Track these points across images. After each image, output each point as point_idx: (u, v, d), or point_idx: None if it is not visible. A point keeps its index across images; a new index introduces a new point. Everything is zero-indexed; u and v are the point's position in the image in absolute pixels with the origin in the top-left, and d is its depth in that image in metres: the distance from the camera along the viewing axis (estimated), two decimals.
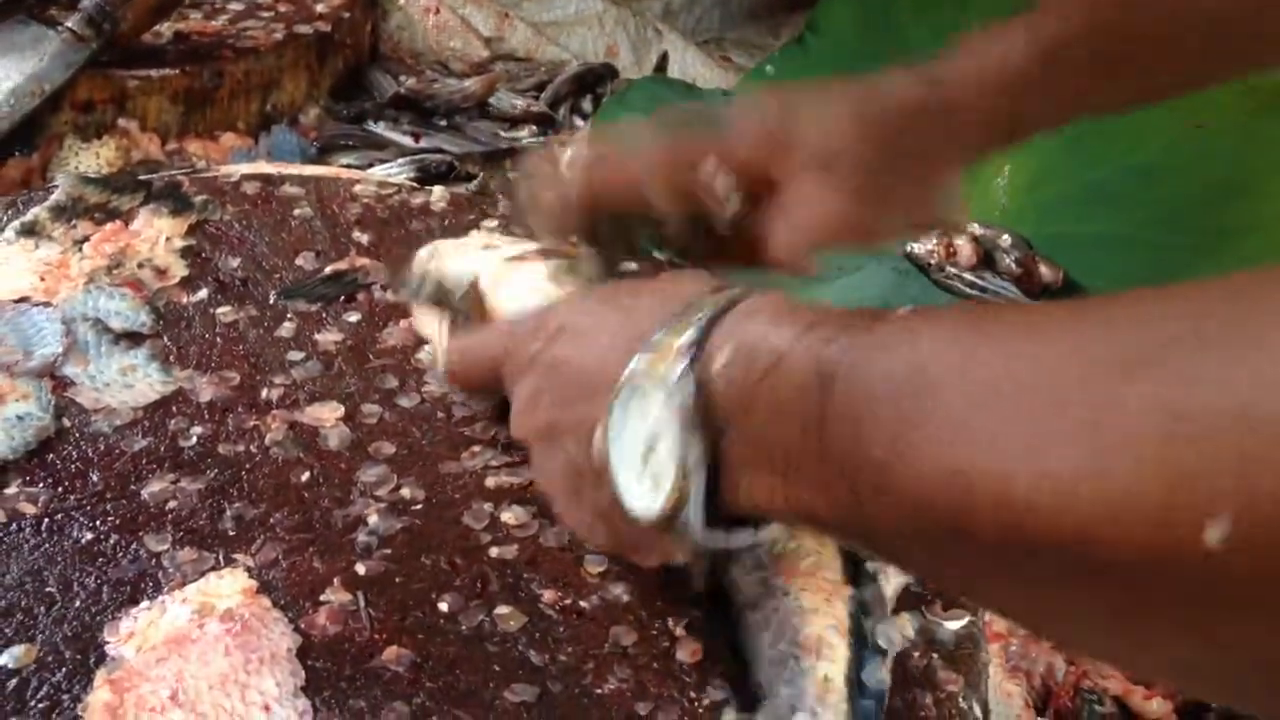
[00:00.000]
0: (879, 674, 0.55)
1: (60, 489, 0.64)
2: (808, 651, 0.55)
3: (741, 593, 0.59)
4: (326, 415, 0.70)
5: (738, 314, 0.48)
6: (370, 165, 1.44)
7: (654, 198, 0.65)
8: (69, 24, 1.32)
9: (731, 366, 0.45)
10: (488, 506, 0.65)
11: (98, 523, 0.62)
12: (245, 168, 0.98)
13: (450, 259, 0.72)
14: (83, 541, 0.61)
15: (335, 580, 0.60)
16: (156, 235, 0.84)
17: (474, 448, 0.69)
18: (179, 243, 0.84)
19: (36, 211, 0.85)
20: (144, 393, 0.71)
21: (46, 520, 0.62)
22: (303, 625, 0.57)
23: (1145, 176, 1.30)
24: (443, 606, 0.59)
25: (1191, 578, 0.31)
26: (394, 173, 1.42)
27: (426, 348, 0.76)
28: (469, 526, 0.64)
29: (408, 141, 1.54)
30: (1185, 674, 0.36)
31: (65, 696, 0.53)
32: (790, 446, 0.43)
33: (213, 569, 0.60)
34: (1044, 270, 1.25)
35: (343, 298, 0.81)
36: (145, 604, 0.57)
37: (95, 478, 0.65)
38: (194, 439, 0.68)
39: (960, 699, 0.58)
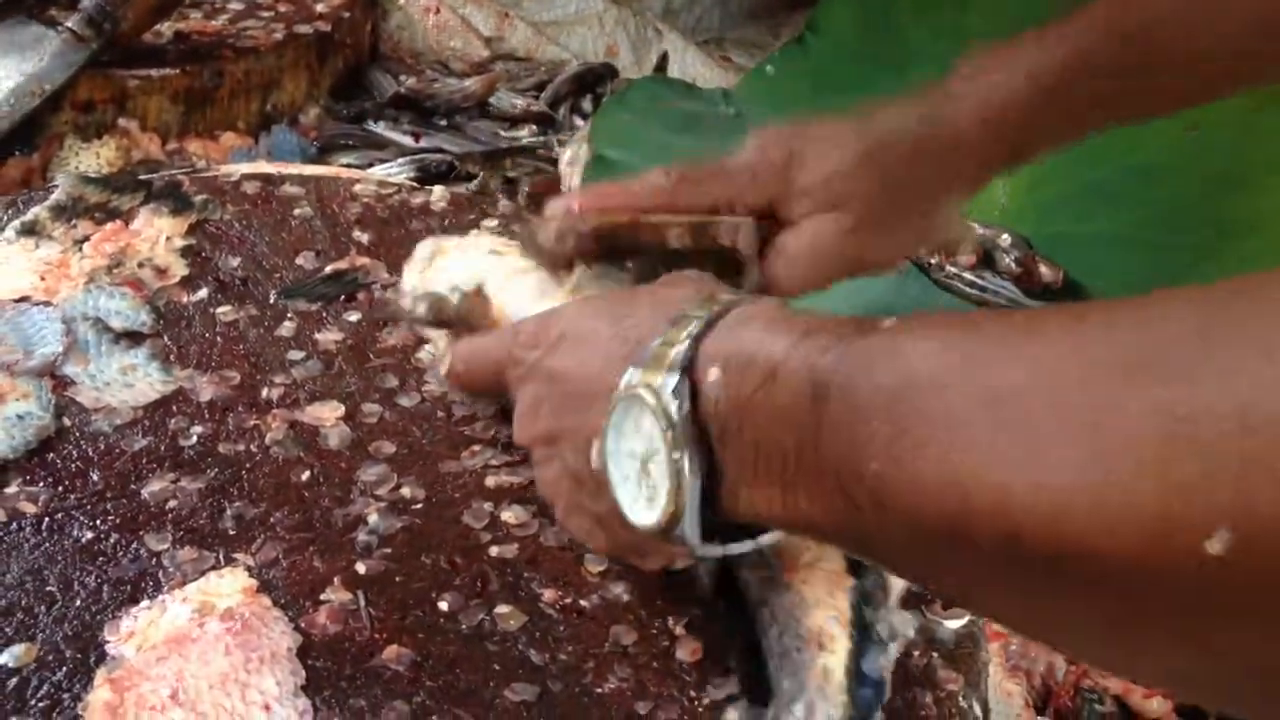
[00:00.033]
0: (879, 663, 0.56)
1: (60, 488, 0.64)
2: (809, 643, 0.55)
3: (751, 590, 0.59)
4: (327, 414, 0.71)
5: (731, 322, 0.48)
6: (370, 165, 1.45)
7: (668, 229, 0.67)
8: (69, 24, 1.32)
9: (725, 379, 0.45)
10: (488, 506, 0.65)
11: (98, 522, 0.62)
12: (245, 167, 0.98)
13: (454, 260, 0.72)
14: (83, 541, 0.61)
15: (335, 579, 0.60)
16: (157, 235, 0.85)
17: (474, 447, 0.69)
18: (179, 242, 0.84)
19: (37, 211, 0.85)
20: (144, 392, 0.71)
21: (47, 519, 0.62)
22: (303, 624, 0.57)
23: (1145, 176, 1.30)
24: (443, 605, 0.59)
25: (1188, 588, 0.30)
26: (394, 172, 1.42)
27: (427, 347, 0.76)
28: (469, 526, 0.64)
29: (408, 141, 1.54)
30: (1181, 682, 0.36)
31: (66, 695, 0.53)
32: (787, 457, 0.43)
33: (213, 568, 0.60)
34: (1044, 270, 1.25)
35: (343, 297, 0.81)
36: (145, 603, 0.58)
37: (95, 477, 0.65)
38: (194, 438, 0.68)
39: (960, 698, 0.58)
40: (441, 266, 0.73)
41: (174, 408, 0.70)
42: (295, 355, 0.75)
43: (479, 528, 0.64)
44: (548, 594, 0.60)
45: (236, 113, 1.48)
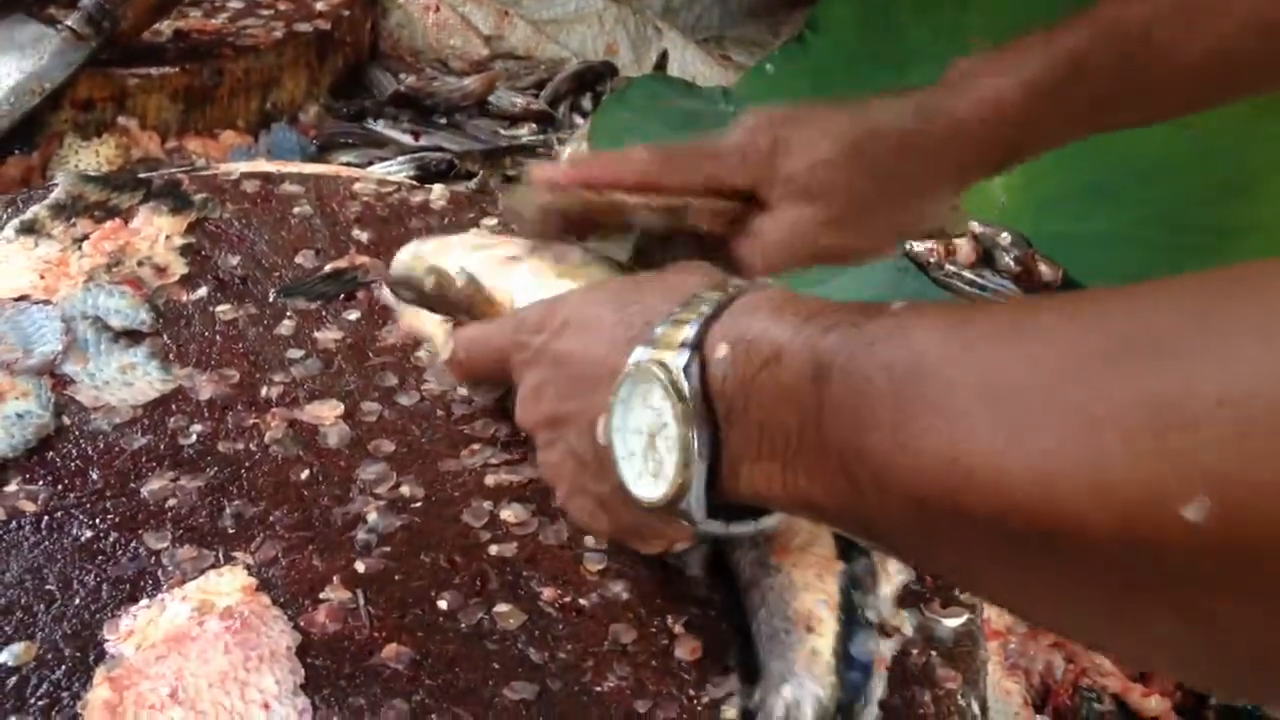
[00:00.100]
0: (868, 647, 0.56)
1: (60, 487, 0.64)
2: (797, 625, 0.55)
3: (742, 574, 0.59)
4: (326, 413, 0.71)
5: (738, 308, 0.49)
6: (370, 163, 1.45)
7: (637, 210, 0.67)
8: (69, 22, 1.32)
9: (732, 359, 0.46)
10: (487, 504, 0.65)
11: (97, 520, 0.62)
12: (245, 166, 0.98)
13: (439, 258, 0.73)
14: (82, 539, 0.61)
15: (335, 578, 0.60)
16: (156, 233, 0.85)
17: (473, 446, 0.69)
18: (178, 241, 0.85)
19: (36, 209, 0.85)
20: (143, 391, 0.71)
21: (46, 518, 0.62)
22: (302, 623, 0.57)
23: (1144, 176, 1.31)
24: (442, 604, 0.59)
25: (1172, 560, 0.31)
26: (394, 171, 1.42)
27: (426, 345, 0.76)
28: (468, 524, 0.64)
29: (407, 139, 1.54)
30: (1180, 661, 0.37)
31: (65, 694, 0.53)
32: (789, 436, 0.44)
33: (212, 567, 0.60)
34: (1043, 269, 1.26)
35: (342, 296, 0.81)
36: (145, 602, 0.58)
37: (95, 476, 0.65)
38: (193, 437, 0.68)
39: (959, 697, 0.58)
40: (434, 264, 0.73)
41: (173, 406, 0.70)
42: (294, 354, 0.75)
43: (478, 526, 0.64)
44: (547, 592, 0.60)
45: (236, 111, 1.48)
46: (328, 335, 0.77)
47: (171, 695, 0.52)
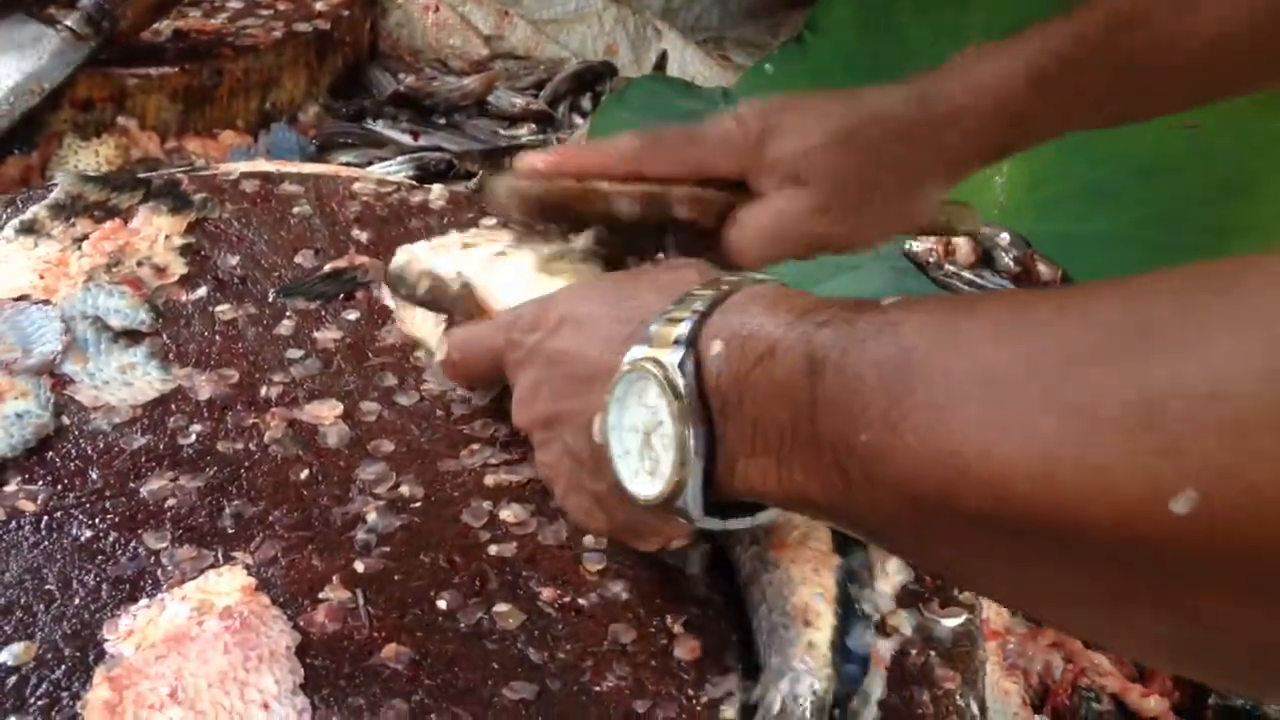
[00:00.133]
0: (865, 639, 0.56)
1: (59, 487, 0.64)
2: (795, 619, 0.56)
3: (742, 570, 0.59)
4: (325, 413, 0.71)
5: (732, 304, 0.49)
6: (369, 163, 1.45)
7: (616, 198, 0.66)
8: (68, 22, 1.32)
9: (726, 355, 0.46)
10: (486, 504, 0.65)
11: (97, 520, 0.62)
12: (244, 166, 0.98)
13: (432, 260, 0.73)
14: (82, 539, 0.61)
15: (334, 578, 0.60)
16: (156, 233, 0.85)
17: (473, 446, 0.69)
18: (178, 240, 0.85)
19: (36, 209, 0.85)
20: (143, 390, 0.71)
21: (46, 518, 0.62)
22: (301, 623, 0.57)
23: (1144, 175, 1.31)
24: (441, 604, 0.59)
25: (1163, 553, 0.32)
26: (393, 170, 1.42)
27: (423, 347, 0.76)
28: (468, 524, 0.64)
29: (407, 139, 1.54)
30: (1176, 655, 0.37)
31: (64, 694, 0.53)
32: (783, 431, 0.44)
33: (212, 566, 0.60)
34: (1042, 269, 1.26)
35: (342, 296, 0.81)
36: (144, 601, 0.58)
37: (94, 475, 0.65)
38: (193, 437, 0.68)
39: (958, 697, 0.58)
40: (427, 266, 0.73)
41: (173, 406, 0.70)
42: (294, 354, 0.75)
43: (477, 526, 0.64)
44: (546, 592, 0.60)
45: (235, 111, 1.48)
46: (327, 335, 0.77)
47: (171, 695, 0.52)
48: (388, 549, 0.62)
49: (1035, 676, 0.89)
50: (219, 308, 0.79)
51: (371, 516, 0.64)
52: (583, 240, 0.68)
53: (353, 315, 0.79)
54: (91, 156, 1.35)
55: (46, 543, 0.61)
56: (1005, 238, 1.27)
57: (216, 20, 1.55)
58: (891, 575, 0.62)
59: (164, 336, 0.76)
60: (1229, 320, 0.31)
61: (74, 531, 0.61)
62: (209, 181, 0.92)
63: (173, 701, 0.52)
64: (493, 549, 0.62)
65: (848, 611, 0.57)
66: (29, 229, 0.83)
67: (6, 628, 0.56)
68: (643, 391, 0.49)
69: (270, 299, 0.80)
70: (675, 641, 0.58)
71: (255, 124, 1.50)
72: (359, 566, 0.61)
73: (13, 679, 0.54)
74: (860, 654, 0.56)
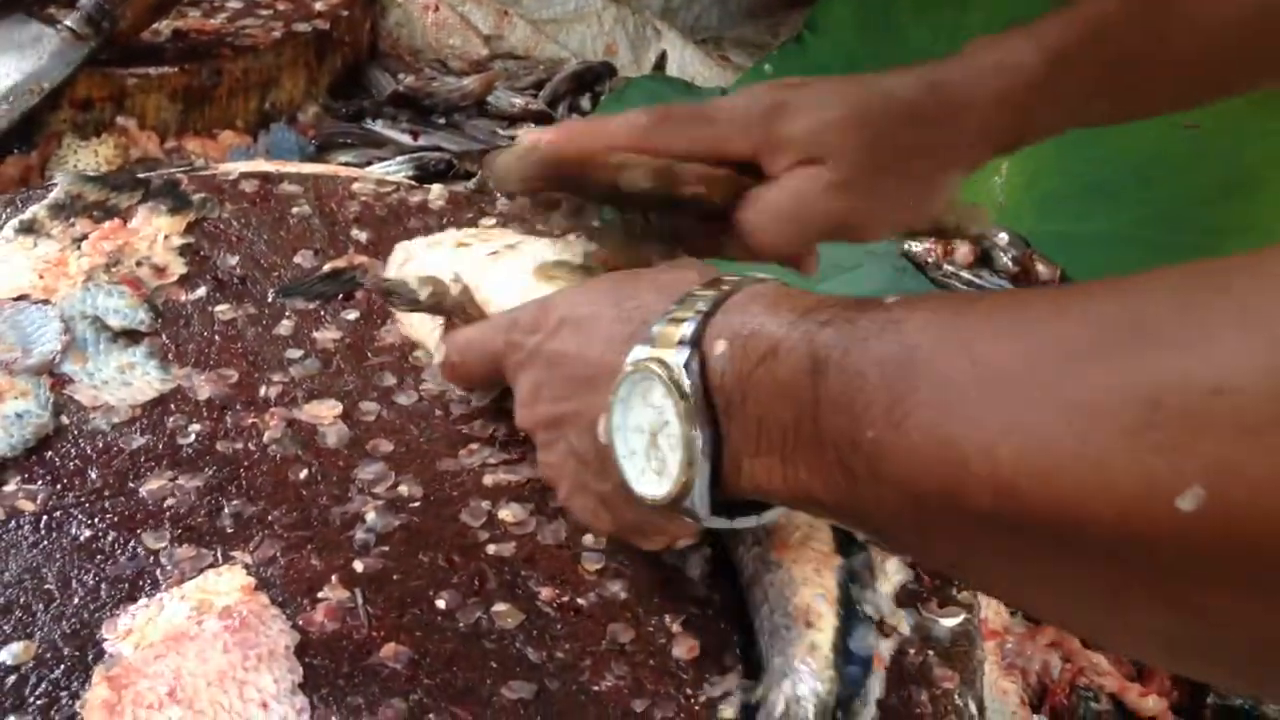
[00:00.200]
0: (867, 641, 0.56)
1: (59, 486, 0.64)
2: (797, 620, 0.56)
3: (745, 571, 0.59)
4: (325, 413, 0.71)
5: (734, 304, 0.49)
6: (369, 163, 1.44)
7: (621, 170, 0.64)
8: (68, 22, 1.32)
9: (730, 354, 0.46)
10: (485, 504, 0.65)
11: (96, 520, 0.62)
12: (244, 165, 0.98)
13: (428, 260, 0.72)
14: (81, 539, 0.61)
15: (333, 577, 0.60)
16: (155, 233, 0.85)
17: (472, 445, 0.69)
18: (177, 240, 0.85)
19: (35, 209, 0.85)
20: (142, 390, 0.71)
21: (45, 517, 0.62)
22: (301, 622, 0.57)
23: (1143, 175, 1.31)
24: (440, 604, 0.59)
25: (1168, 550, 0.32)
26: (392, 170, 1.42)
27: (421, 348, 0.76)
28: (466, 524, 0.64)
29: (406, 139, 1.54)
30: (1177, 654, 0.37)
31: (64, 693, 0.53)
32: (786, 430, 0.44)
33: (211, 566, 0.60)
34: (1041, 268, 1.26)
35: (341, 295, 0.81)
36: (143, 601, 0.58)
37: (94, 475, 0.65)
38: (192, 436, 0.68)
39: (956, 696, 0.58)
40: (413, 270, 0.73)
41: (172, 406, 0.71)
42: (293, 354, 0.75)
43: (476, 526, 0.64)
44: (545, 592, 0.60)
45: (235, 111, 1.48)
46: (326, 335, 0.77)
47: (170, 694, 0.52)
48: (386, 548, 0.62)
49: (1033, 676, 0.89)
50: (218, 308, 0.79)
51: (370, 516, 0.64)
52: (581, 245, 0.68)
53: (352, 315, 0.79)
54: (91, 156, 1.35)
55: (46, 542, 0.61)
56: (1004, 237, 1.27)
57: (216, 20, 1.55)
58: (891, 575, 0.62)
59: (163, 336, 0.76)
60: (1230, 317, 0.31)
61: (73, 531, 0.61)
62: (208, 181, 0.92)
63: (172, 701, 0.52)
64: (491, 548, 0.62)
65: (850, 613, 0.57)
66: (28, 229, 0.83)
67: (6, 627, 0.56)
68: (647, 392, 0.49)
69: (269, 299, 0.80)
70: (674, 641, 0.58)
71: (255, 124, 1.50)
72: (358, 566, 0.61)
73: (12, 678, 0.54)
74: (862, 655, 0.56)
